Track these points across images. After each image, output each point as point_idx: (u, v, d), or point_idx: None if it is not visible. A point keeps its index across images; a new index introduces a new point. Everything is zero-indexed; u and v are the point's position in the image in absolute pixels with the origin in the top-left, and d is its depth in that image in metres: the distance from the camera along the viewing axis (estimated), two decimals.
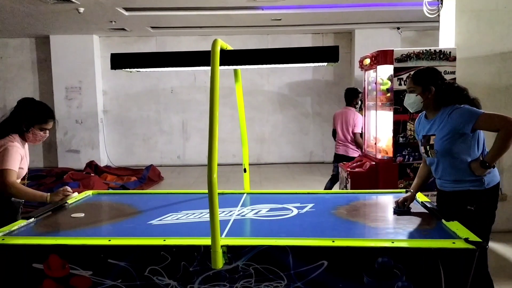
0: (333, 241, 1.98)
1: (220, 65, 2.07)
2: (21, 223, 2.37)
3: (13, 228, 2.28)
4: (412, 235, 2.13)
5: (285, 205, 2.72)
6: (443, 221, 2.24)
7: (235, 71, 2.95)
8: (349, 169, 4.37)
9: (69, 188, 2.65)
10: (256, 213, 2.56)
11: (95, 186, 6.43)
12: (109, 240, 2.07)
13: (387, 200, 2.82)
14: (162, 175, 8.04)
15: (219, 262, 1.94)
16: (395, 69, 4.15)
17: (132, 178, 7.46)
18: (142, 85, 9.48)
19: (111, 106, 9.50)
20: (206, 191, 3.25)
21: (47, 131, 2.70)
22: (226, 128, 9.46)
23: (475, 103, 2.53)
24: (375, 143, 4.43)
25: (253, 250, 1.98)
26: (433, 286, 1.91)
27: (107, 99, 9.47)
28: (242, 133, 3.20)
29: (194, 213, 2.58)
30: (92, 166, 7.95)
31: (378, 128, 4.44)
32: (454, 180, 2.50)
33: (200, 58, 2.30)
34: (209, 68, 2.01)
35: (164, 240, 2.05)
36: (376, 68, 4.35)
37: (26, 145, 2.69)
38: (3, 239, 2.11)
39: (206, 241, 1.99)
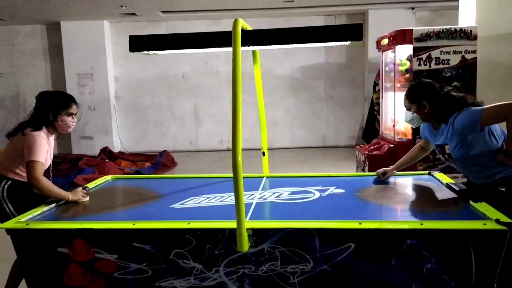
0: (360, 223, 1.94)
1: (241, 45, 2.02)
2: (43, 208, 2.37)
3: (36, 213, 2.29)
4: (440, 217, 2.08)
5: (306, 188, 2.68)
6: (471, 202, 2.19)
7: (254, 52, 2.89)
8: (366, 152, 4.31)
9: (84, 191, 2.62)
10: (278, 196, 2.53)
11: (110, 172, 6.46)
12: (134, 224, 2.06)
13: (408, 182, 2.77)
14: (175, 161, 8.06)
15: (245, 245, 1.92)
16: (415, 49, 4.05)
17: (146, 163, 7.48)
18: (154, 71, 9.45)
19: (123, 92, 9.49)
20: (225, 175, 3.27)
21: (74, 116, 2.70)
22: None
23: (476, 105, 2.42)
24: (393, 125, 4.36)
25: (279, 233, 1.95)
26: (463, 269, 1.88)
27: (118, 85, 9.47)
28: (260, 117, 3.15)
29: (215, 197, 2.56)
30: (106, 152, 7.98)
31: (396, 110, 4.36)
32: (485, 176, 2.42)
33: (220, 39, 2.25)
34: (222, 51, 1.97)
35: (189, 224, 2.03)
36: (394, 48, 4.25)
37: (52, 138, 2.68)
38: (27, 224, 2.11)
39: (231, 224, 1.97)
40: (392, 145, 4.27)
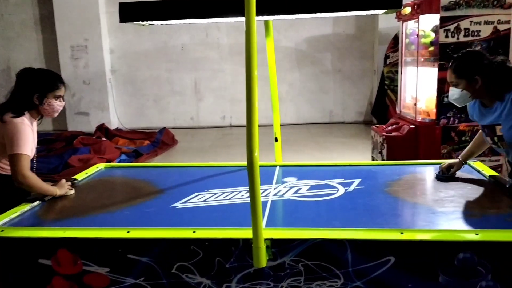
0: (401, 233, 1.61)
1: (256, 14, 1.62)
2: (24, 207, 2.03)
3: (15, 215, 1.95)
4: (496, 224, 1.74)
5: (327, 181, 2.34)
6: None
7: (266, 23, 2.49)
8: (385, 133, 3.95)
9: (69, 183, 2.27)
10: (296, 192, 2.19)
11: (107, 151, 6.12)
12: (128, 232, 1.72)
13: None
14: (176, 139, 7.70)
15: (262, 259, 1.59)
16: (442, 19, 3.62)
17: (145, 142, 7.12)
18: (151, 43, 8.95)
19: (120, 66, 9.02)
20: (232, 163, 2.91)
21: (62, 99, 2.31)
22: (241, 87, 8.97)
23: None
24: (415, 104, 3.98)
25: (303, 244, 1.62)
26: None
27: (114, 58, 8.99)
28: (273, 97, 2.77)
29: (223, 193, 2.22)
30: (102, 129, 7.61)
31: (418, 87, 3.96)
32: None
33: (229, 6, 1.85)
34: (230, 21, 1.58)
35: (194, 232, 1.70)
36: (418, 18, 3.82)
37: (35, 123, 2.30)
38: (2, 231, 1.78)
39: (246, 233, 1.63)
40: (413, 126, 3.90)
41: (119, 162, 5.92)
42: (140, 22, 2.09)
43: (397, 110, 4.40)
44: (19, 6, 8.79)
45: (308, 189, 2.22)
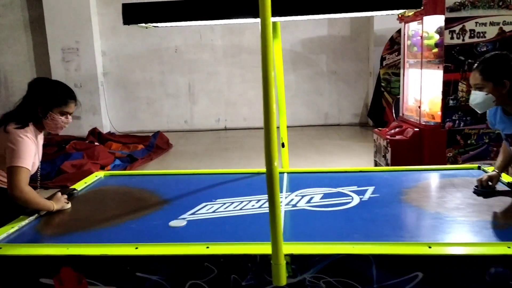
0: (429, 247, 1.52)
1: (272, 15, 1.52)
2: (21, 222, 1.91)
3: (12, 231, 1.82)
4: None
5: (339, 189, 2.25)
6: None
7: (274, 24, 2.39)
8: (388, 137, 3.88)
9: (65, 196, 2.14)
10: (309, 202, 2.09)
11: (101, 157, 5.96)
12: (136, 248, 1.61)
13: (460, 182, 2.32)
14: (170, 142, 7.56)
15: (283, 277, 1.49)
16: (447, 20, 3.56)
17: (139, 146, 6.97)
18: (144, 45, 8.80)
19: (112, 68, 8.86)
20: (235, 170, 2.81)
21: (69, 116, 2.16)
22: (236, 89, 8.88)
23: None
24: (419, 106, 3.91)
25: (325, 260, 1.52)
26: None
27: (106, 61, 8.82)
28: (280, 101, 2.68)
29: (232, 203, 2.12)
30: (95, 134, 7.44)
31: (422, 89, 3.89)
32: None
33: (240, 8, 1.75)
34: (242, 22, 1.48)
35: (208, 248, 1.59)
36: (422, 19, 3.75)
37: (40, 136, 2.16)
38: (0, 248, 1.65)
39: (263, 249, 1.54)
40: (417, 129, 3.84)
41: (113, 167, 5.78)
42: (143, 24, 1.97)
43: (400, 113, 4.33)
44: (8, 8, 8.58)
45: (321, 198, 2.13)
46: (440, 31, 3.69)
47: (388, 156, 3.81)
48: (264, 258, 1.53)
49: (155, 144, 7.06)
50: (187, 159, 6.63)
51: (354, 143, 7.29)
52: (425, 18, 3.73)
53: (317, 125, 9.06)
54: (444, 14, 3.55)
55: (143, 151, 6.73)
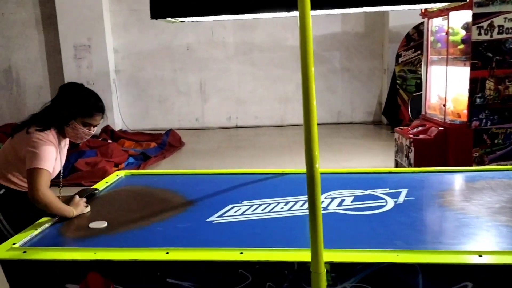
0: (480, 256, 1.43)
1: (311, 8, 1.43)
2: (44, 223, 1.84)
3: (36, 233, 1.76)
4: None
5: (370, 191, 2.16)
6: None
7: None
8: (412, 136, 3.77)
9: (84, 200, 2.06)
10: (340, 204, 2.00)
11: (114, 154, 5.91)
12: (167, 253, 1.53)
13: (499, 184, 2.19)
14: (182, 140, 7.50)
15: (323, 286, 1.40)
16: (474, 16, 3.44)
17: (151, 144, 6.91)
18: (156, 42, 8.74)
19: (123, 66, 8.81)
20: (257, 170, 2.73)
21: (93, 128, 2.09)
22: (247, 87, 8.80)
23: None
24: (443, 105, 3.79)
25: (368, 269, 1.44)
26: None
27: (118, 58, 8.78)
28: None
29: (260, 205, 2.04)
30: (108, 131, 7.39)
31: (448, 86, 3.77)
32: None
33: (277, 1, 1.65)
34: (227, 19, 1.39)
35: (242, 254, 1.51)
36: (447, 14, 3.63)
37: (65, 141, 2.08)
38: (24, 252, 1.58)
39: (301, 256, 1.46)
40: (441, 128, 3.72)
41: (127, 165, 5.73)
42: (170, 19, 1.89)
43: (422, 111, 4.22)
44: (20, 5, 8.56)
45: (352, 201, 2.04)
46: (466, 27, 3.57)
47: (411, 156, 3.70)
48: (303, 265, 1.45)
49: (167, 142, 7.01)
50: (199, 157, 6.57)
51: (368, 141, 7.19)
52: (451, 13, 3.61)
53: (329, 123, 8.95)
54: (471, 9, 3.43)
55: (156, 149, 6.67)
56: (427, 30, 4.11)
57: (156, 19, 1.80)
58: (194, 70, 8.88)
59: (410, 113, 7.02)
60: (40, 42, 8.69)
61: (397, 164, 4.16)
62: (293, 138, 7.77)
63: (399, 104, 7.45)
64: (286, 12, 1.71)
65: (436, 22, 4.02)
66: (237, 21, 8.52)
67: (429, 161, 3.55)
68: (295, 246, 1.54)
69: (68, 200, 2.04)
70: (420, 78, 7.03)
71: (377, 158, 5.92)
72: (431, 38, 4.09)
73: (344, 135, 7.96)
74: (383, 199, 2.05)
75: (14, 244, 1.63)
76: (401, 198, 2.03)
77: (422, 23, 7.10)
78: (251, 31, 8.56)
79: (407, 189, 2.15)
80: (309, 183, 1.34)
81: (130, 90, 8.90)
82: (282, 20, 8.47)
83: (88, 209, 2.05)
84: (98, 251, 1.56)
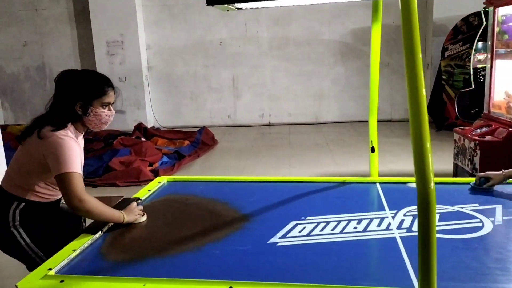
0: None
1: None
2: (83, 242, 1.60)
3: (74, 255, 1.51)
4: None
5: (457, 207, 1.83)
6: None
7: (375, 4, 1.99)
8: (477, 138, 3.39)
9: (141, 207, 1.82)
10: None
11: (148, 153, 5.73)
12: None
13: None
14: (215, 138, 7.27)
15: None
16: None
17: (184, 142, 6.71)
18: (188, 38, 8.53)
19: (156, 62, 8.65)
20: (316, 178, 2.44)
21: (111, 106, 1.86)
22: (280, 83, 8.49)
23: None
24: None
25: None
26: None
27: (150, 54, 8.62)
28: (372, 93, 2.29)
29: (327, 222, 1.74)
30: (141, 129, 7.24)
31: None
32: None
33: None
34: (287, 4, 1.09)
35: None
36: None
37: (81, 137, 1.85)
38: (62, 281, 1.34)
39: None
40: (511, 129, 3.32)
41: (161, 164, 5.54)
42: (226, 5, 1.62)
43: (485, 110, 3.82)
44: (53, 1, 8.52)
45: (439, 220, 1.71)
46: None
47: (477, 159, 3.33)
48: None
49: (201, 140, 6.79)
50: (233, 156, 6.32)
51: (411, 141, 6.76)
52: None
53: (366, 120, 8.52)
54: None
55: (189, 147, 6.46)
56: (494, 20, 3.70)
57: (212, 5, 1.53)
58: (226, 66, 8.63)
59: (456, 111, 6.56)
60: (73, 38, 8.63)
61: (457, 168, 3.78)
62: (329, 136, 7.42)
63: (445, 101, 6.99)
64: None
65: (504, 11, 3.61)
66: (272, 16, 8.22)
67: (497, 165, 3.16)
68: (387, 277, 1.24)
69: (118, 205, 1.81)
70: (469, 74, 6.58)
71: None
72: (497, 29, 3.68)
73: (384, 134, 7.53)
74: (477, 218, 1.72)
75: (49, 269, 1.39)
76: (499, 218, 1.70)
77: (472, 14, 6.69)
78: (286, 26, 8.24)
79: (501, 205, 1.81)
80: (421, 211, 1.04)
81: (162, 87, 8.74)
82: (318, 14, 8.12)
83: (145, 217, 1.83)
84: (148, 283, 1.30)
